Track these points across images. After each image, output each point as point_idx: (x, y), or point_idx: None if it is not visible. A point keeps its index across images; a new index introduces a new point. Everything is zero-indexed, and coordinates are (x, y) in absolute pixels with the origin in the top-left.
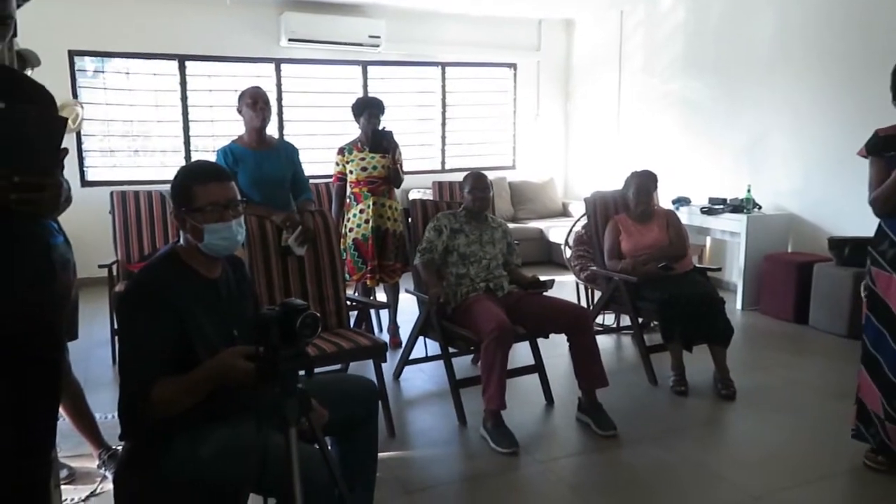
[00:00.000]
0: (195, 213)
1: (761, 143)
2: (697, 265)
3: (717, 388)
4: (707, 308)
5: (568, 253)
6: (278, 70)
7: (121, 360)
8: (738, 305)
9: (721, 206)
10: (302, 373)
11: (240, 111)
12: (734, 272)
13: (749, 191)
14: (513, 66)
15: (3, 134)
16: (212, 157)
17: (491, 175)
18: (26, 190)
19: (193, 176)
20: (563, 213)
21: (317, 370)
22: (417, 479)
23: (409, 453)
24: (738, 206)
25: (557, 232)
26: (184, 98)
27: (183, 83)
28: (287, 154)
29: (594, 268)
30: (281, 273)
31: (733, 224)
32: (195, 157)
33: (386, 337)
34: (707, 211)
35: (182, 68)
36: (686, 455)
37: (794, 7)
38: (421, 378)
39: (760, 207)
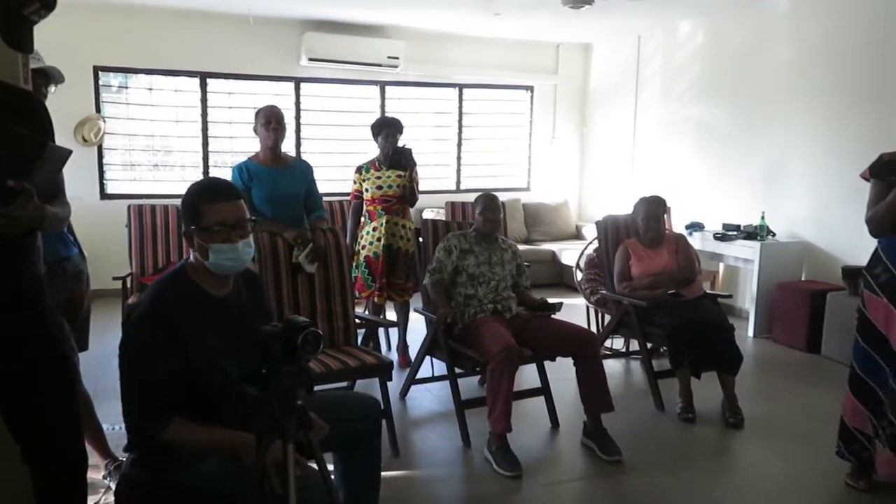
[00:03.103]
0: (203, 232)
1: (777, 170)
2: (708, 291)
3: (724, 416)
4: (716, 335)
5: (579, 276)
6: (297, 89)
7: (128, 384)
8: (750, 333)
9: (735, 233)
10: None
11: (255, 130)
12: (747, 299)
13: (763, 218)
14: (530, 88)
15: None
16: (229, 173)
17: (505, 196)
18: None
19: (203, 194)
20: (577, 235)
21: (323, 387)
22: (420, 500)
23: (412, 473)
24: (751, 233)
25: (570, 254)
26: (204, 114)
27: (204, 100)
28: (302, 172)
29: (604, 291)
30: (291, 289)
31: (746, 251)
32: (213, 172)
33: (395, 356)
34: (720, 237)
35: (203, 85)
36: (691, 483)
37: (813, 33)
38: (427, 398)
39: (774, 235)
